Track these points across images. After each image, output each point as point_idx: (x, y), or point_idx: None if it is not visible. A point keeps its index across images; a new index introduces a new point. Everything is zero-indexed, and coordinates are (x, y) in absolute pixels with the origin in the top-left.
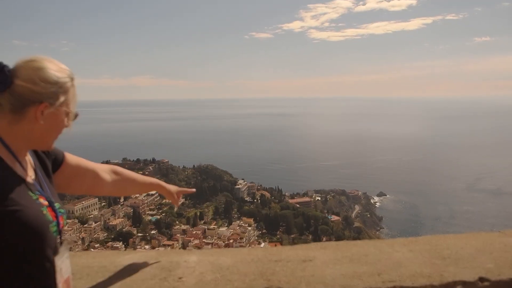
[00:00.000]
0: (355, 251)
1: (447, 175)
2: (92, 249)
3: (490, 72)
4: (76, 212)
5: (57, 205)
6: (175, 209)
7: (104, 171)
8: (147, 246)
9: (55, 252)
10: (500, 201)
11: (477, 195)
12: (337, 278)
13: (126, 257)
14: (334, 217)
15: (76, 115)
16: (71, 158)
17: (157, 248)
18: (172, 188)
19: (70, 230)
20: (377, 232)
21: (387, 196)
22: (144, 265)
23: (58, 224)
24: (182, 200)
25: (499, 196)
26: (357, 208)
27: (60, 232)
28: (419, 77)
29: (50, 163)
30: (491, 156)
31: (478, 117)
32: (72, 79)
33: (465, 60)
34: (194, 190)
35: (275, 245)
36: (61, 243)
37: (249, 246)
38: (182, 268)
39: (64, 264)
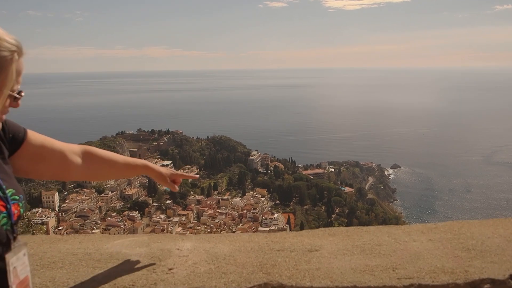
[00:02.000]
0: (367, 240)
1: (462, 147)
2: (94, 228)
3: (511, 42)
4: (93, 181)
5: (10, 191)
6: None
7: (75, 152)
8: (162, 216)
9: (6, 248)
10: None
11: (493, 168)
12: (346, 273)
13: (115, 243)
14: (348, 189)
15: (19, 94)
16: (35, 137)
17: (150, 232)
18: (164, 170)
19: (88, 199)
20: (391, 204)
21: (402, 168)
22: (133, 252)
23: (10, 214)
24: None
25: None
26: (370, 180)
27: (13, 224)
28: (436, 46)
29: (7, 141)
30: (509, 128)
31: (496, 88)
32: (14, 52)
33: (484, 29)
34: (197, 176)
35: (287, 225)
36: (14, 237)
37: (262, 216)
38: (174, 257)
39: (20, 262)
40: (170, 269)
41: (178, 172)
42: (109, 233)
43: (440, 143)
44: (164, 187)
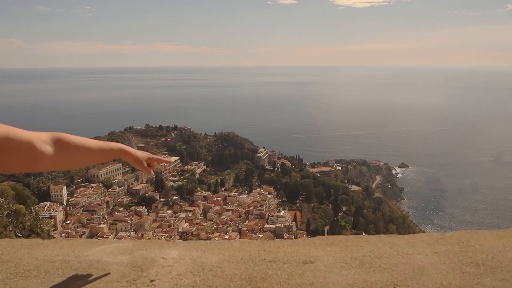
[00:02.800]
0: (367, 251)
1: (471, 147)
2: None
3: None
4: (101, 176)
5: None
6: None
7: (43, 141)
8: (169, 211)
9: None
10: None
11: (501, 169)
12: None
13: (97, 250)
14: (355, 187)
15: None
16: None
17: (140, 235)
18: (141, 154)
19: (95, 194)
20: (398, 203)
21: (409, 167)
22: (114, 261)
23: None
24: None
25: None
26: (378, 178)
27: None
28: (447, 45)
29: None
30: None
31: (506, 88)
32: None
33: (495, 28)
34: (172, 160)
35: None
36: None
37: (268, 213)
38: (157, 267)
39: None
40: (151, 281)
41: (154, 156)
42: (95, 238)
43: (449, 143)
44: (171, 183)
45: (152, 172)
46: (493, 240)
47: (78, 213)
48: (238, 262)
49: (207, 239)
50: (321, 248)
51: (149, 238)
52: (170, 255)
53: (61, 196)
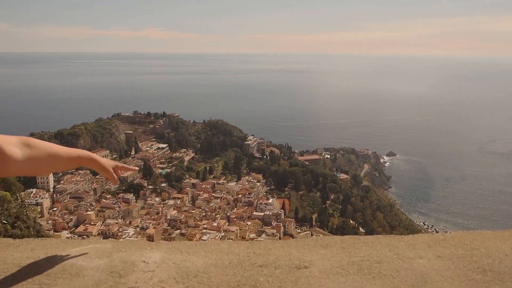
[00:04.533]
0: (365, 254)
1: (458, 136)
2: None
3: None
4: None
5: None
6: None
7: (12, 143)
8: (157, 199)
9: None
10: (510, 164)
11: (488, 157)
12: None
13: (72, 252)
14: (343, 175)
15: None
16: None
17: (124, 236)
18: (107, 162)
19: (83, 180)
20: (385, 191)
21: (397, 156)
22: (90, 265)
23: None
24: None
25: (510, 158)
26: (366, 167)
27: None
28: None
29: None
30: (505, 118)
31: (493, 78)
32: None
33: (484, 19)
34: (136, 168)
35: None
36: None
37: (257, 201)
38: (137, 273)
39: None
40: None
41: (120, 164)
42: (72, 238)
43: (436, 132)
44: (159, 170)
45: (118, 181)
46: (498, 242)
47: (65, 200)
48: (225, 267)
49: (195, 226)
50: (315, 250)
51: (135, 236)
52: (151, 258)
53: (47, 182)
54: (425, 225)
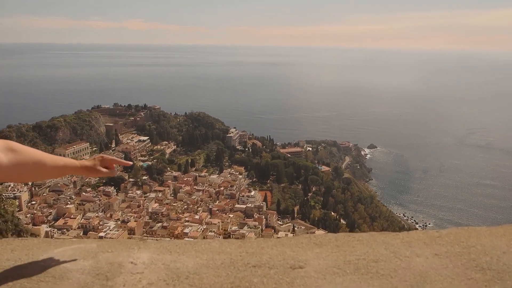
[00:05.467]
0: (361, 253)
1: (438, 129)
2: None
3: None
4: (68, 156)
5: None
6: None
7: None
8: (138, 191)
9: None
10: (488, 156)
11: (466, 150)
12: None
13: (55, 252)
14: (324, 168)
15: None
16: None
17: (108, 233)
18: (92, 163)
19: None
20: (366, 183)
21: (378, 148)
22: (75, 267)
23: None
24: (118, 172)
25: (488, 151)
26: (347, 159)
27: None
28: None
29: None
30: (484, 111)
31: (474, 71)
32: None
33: (465, 13)
34: (130, 163)
35: (260, 236)
36: None
37: (239, 193)
38: (125, 275)
39: None
40: None
41: (108, 157)
42: (54, 238)
43: (417, 125)
44: (141, 163)
45: (115, 172)
46: (494, 239)
47: (44, 193)
48: (218, 267)
49: (177, 219)
50: (309, 249)
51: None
52: (140, 259)
53: None
54: (405, 216)
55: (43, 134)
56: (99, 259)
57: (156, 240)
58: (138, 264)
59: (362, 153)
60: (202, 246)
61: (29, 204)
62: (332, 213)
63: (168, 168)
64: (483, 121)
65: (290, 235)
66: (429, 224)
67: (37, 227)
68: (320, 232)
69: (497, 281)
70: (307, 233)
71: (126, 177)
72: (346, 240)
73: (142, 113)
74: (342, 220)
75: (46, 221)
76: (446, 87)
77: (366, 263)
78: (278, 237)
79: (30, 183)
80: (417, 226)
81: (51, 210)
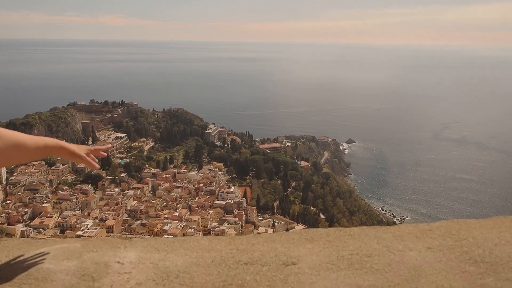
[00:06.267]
0: (353, 248)
1: (414, 123)
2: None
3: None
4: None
5: None
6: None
7: None
8: (116, 189)
9: None
10: (463, 150)
11: (442, 144)
12: None
13: (37, 253)
14: (304, 163)
15: None
16: None
17: (92, 232)
18: (78, 148)
19: (37, 172)
20: (345, 178)
21: (356, 143)
22: (58, 268)
23: None
24: (98, 162)
25: (463, 145)
26: (326, 154)
27: None
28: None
29: None
30: (459, 106)
31: (449, 67)
32: None
33: (441, 9)
34: (109, 146)
35: (250, 233)
36: None
37: (218, 190)
38: (112, 275)
39: None
40: None
41: (93, 147)
42: (35, 238)
43: (394, 120)
44: (118, 160)
45: (97, 165)
46: (484, 231)
47: (19, 192)
48: (208, 265)
49: (156, 216)
50: (301, 245)
51: (109, 235)
52: (126, 258)
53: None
54: (383, 210)
55: None
56: (84, 259)
57: (143, 238)
58: (125, 264)
59: (341, 148)
60: (191, 243)
61: (4, 203)
62: (312, 208)
63: (147, 165)
64: (457, 115)
65: (270, 230)
66: (407, 217)
67: (13, 226)
68: (300, 226)
69: (491, 273)
70: (287, 228)
71: (104, 175)
72: (337, 235)
73: (119, 110)
74: (321, 215)
75: (21, 221)
76: (422, 82)
77: (359, 258)
78: (268, 233)
79: (4, 182)
80: (394, 219)
81: (26, 209)
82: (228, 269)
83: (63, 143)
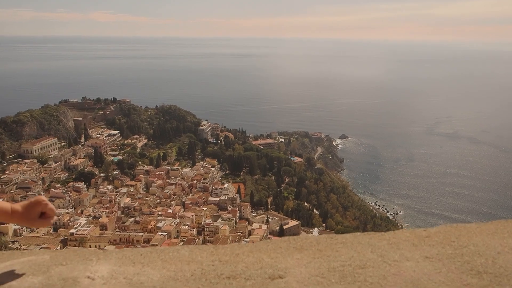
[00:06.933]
0: (345, 258)
1: (407, 118)
2: None
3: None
4: (35, 152)
5: None
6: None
7: None
8: (109, 187)
9: None
10: (455, 144)
11: (434, 139)
12: None
13: (1, 266)
14: (297, 159)
15: None
16: None
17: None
18: (24, 210)
19: (30, 170)
20: (338, 173)
21: (349, 138)
22: (23, 285)
23: None
24: (55, 218)
25: (455, 140)
26: (319, 150)
27: None
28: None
29: None
30: (451, 101)
31: (440, 62)
32: None
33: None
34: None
35: (232, 241)
36: None
37: (212, 186)
38: None
39: None
40: None
41: (47, 203)
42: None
43: (386, 115)
44: (111, 158)
45: (53, 220)
46: (485, 237)
47: (11, 190)
48: (187, 280)
49: (150, 214)
50: (289, 255)
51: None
52: (98, 272)
53: None
54: (376, 205)
55: (9, 130)
56: (51, 274)
57: (118, 249)
58: (96, 279)
59: (334, 143)
60: (170, 254)
61: None
62: (305, 204)
63: (140, 162)
64: (449, 110)
65: (264, 226)
66: (400, 212)
67: (5, 225)
68: (294, 222)
69: (495, 286)
70: (281, 224)
71: (97, 172)
72: (328, 243)
73: (111, 107)
74: (315, 210)
75: None
76: (414, 77)
77: (352, 269)
78: (254, 242)
79: None
80: (388, 214)
81: None
82: (209, 284)
83: (12, 209)
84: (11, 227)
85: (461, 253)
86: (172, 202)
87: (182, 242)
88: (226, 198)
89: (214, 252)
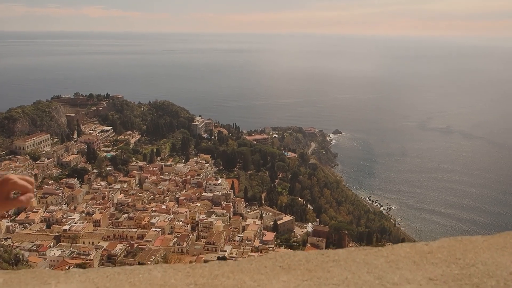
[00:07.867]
0: (338, 280)
1: (400, 114)
2: None
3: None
4: (27, 148)
5: None
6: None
7: None
8: (103, 183)
9: None
10: (448, 139)
11: (427, 133)
12: None
13: None
14: (291, 154)
15: None
16: None
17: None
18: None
19: (22, 166)
20: (332, 169)
21: (343, 133)
22: None
23: None
24: (33, 198)
25: (448, 134)
26: (313, 145)
27: None
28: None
29: None
30: (444, 96)
31: (434, 57)
32: None
33: None
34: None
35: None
36: None
37: (206, 182)
38: None
39: None
40: None
41: (17, 180)
42: None
43: (379, 110)
44: (104, 154)
45: (30, 200)
46: (494, 253)
47: None
48: None
49: (143, 210)
50: (274, 276)
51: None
52: None
53: None
54: (370, 200)
55: (1, 126)
56: None
57: (82, 269)
58: None
59: (328, 138)
60: (140, 276)
61: None
62: (299, 199)
63: (133, 158)
64: (442, 105)
65: (258, 222)
66: (394, 206)
67: None
68: (288, 217)
69: None
70: (275, 219)
71: (90, 168)
72: (319, 261)
73: (104, 103)
74: (309, 205)
75: (6, 216)
76: (407, 72)
77: None
78: (236, 261)
79: None
80: (381, 209)
81: None
82: None
83: None
84: (4, 224)
85: (468, 273)
86: (165, 198)
87: (176, 238)
88: (220, 194)
89: (190, 273)
